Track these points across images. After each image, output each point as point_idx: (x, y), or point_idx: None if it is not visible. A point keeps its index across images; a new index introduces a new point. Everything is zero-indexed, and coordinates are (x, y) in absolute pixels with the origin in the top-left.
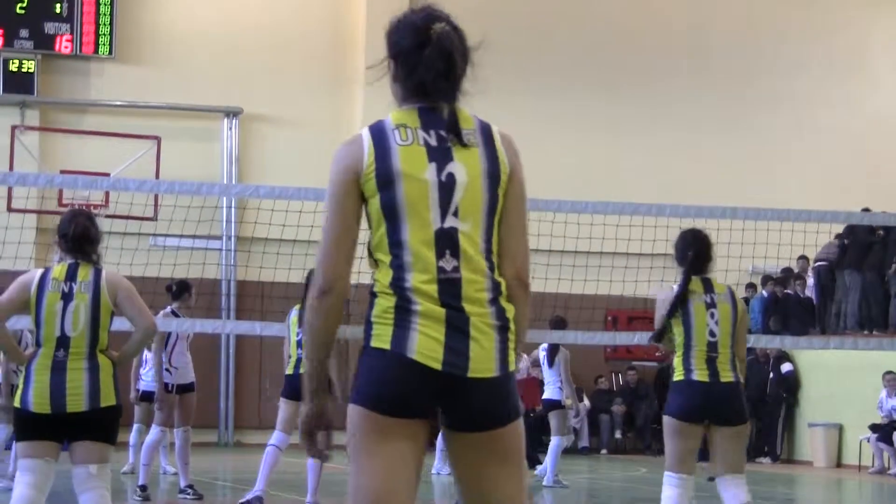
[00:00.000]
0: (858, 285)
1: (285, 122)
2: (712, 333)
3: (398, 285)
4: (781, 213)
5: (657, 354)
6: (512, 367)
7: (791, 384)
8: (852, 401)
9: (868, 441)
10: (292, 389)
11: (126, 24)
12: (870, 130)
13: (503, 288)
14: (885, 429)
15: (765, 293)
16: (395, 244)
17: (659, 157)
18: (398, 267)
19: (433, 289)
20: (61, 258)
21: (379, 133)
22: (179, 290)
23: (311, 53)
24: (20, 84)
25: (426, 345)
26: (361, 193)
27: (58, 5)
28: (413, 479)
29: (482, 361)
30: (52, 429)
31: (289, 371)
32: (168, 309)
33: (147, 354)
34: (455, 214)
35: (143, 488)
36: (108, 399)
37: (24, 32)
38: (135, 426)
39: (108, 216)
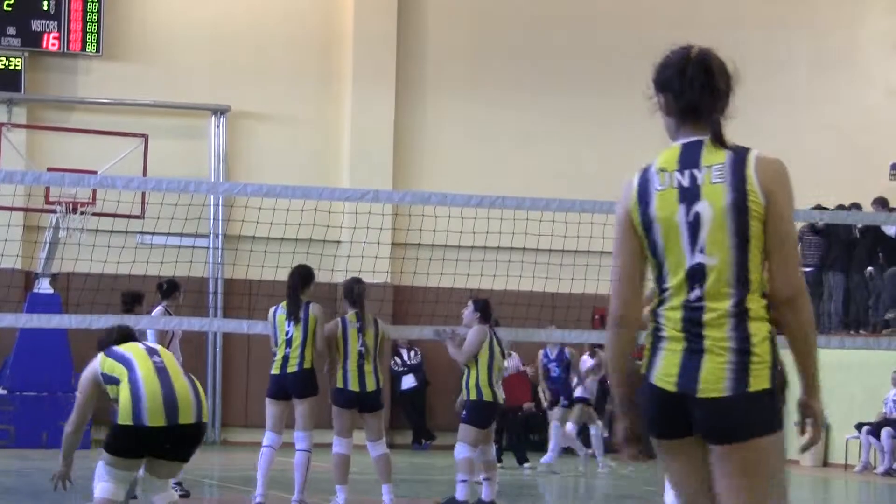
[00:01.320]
0: (842, 285)
1: (273, 120)
2: None
3: (656, 314)
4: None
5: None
6: (755, 387)
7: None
8: (838, 400)
9: (858, 436)
10: (279, 389)
11: (114, 22)
12: (859, 127)
13: (753, 313)
14: (880, 425)
15: None
16: (660, 278)
17: (648, 155)
18: (660, 298)
19: (678, 316)
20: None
21: (644, 179)
22: (169, 288)
23: (299, 51)
24: (7, 82)
25: (665, 369)
26: (635, 231)
27: (45, 3)
28: (702, 482)
29: (712, 382)
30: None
31: (275, 371)
32: (161, 308)
33: None
34: (702, 251)
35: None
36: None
37: (11, 30)
38: None
39: (95, 214)
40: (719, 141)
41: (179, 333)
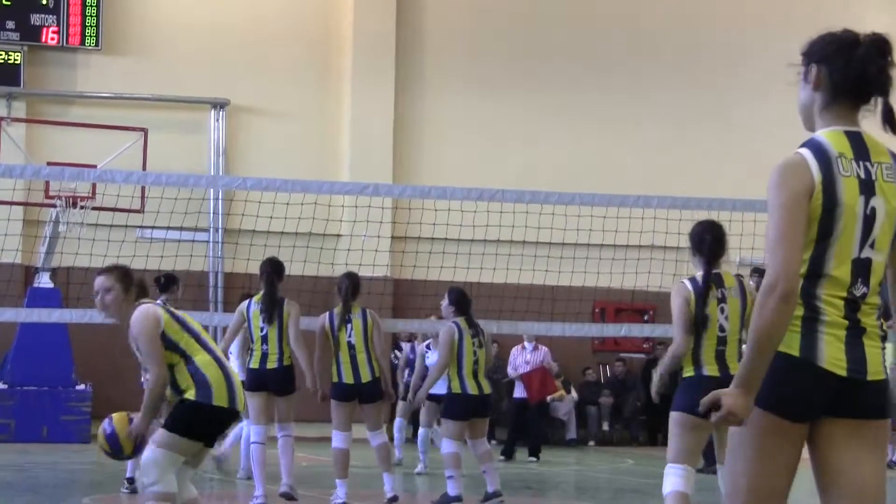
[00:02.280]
0: None
1: (273, 114)
2: (722, 328)
3: (809, 295)
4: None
5: (644, 346)
6: (888, 371)
7: None
8: None
9: None
10: (258, 383)
11: (113, 16)
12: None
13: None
14: None
15: (752, 283)
16: (818, 262)
17: (647, 149)
18: (812, 281)
19: (840, 303)
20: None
21: (826, 160)
22: (167, 282)
23: (298, 45)
24: (6, 76)
25: (833, 353)
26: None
27: None
28: (790, 483)
29: (876, 365)
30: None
31: (253, 365)
32: (158, 302)
33: None
34: (872, 246)
35: (131, 480)
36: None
37: (10, 24)
38: None
39: (94, 208)
40: (893, 127)
41: None
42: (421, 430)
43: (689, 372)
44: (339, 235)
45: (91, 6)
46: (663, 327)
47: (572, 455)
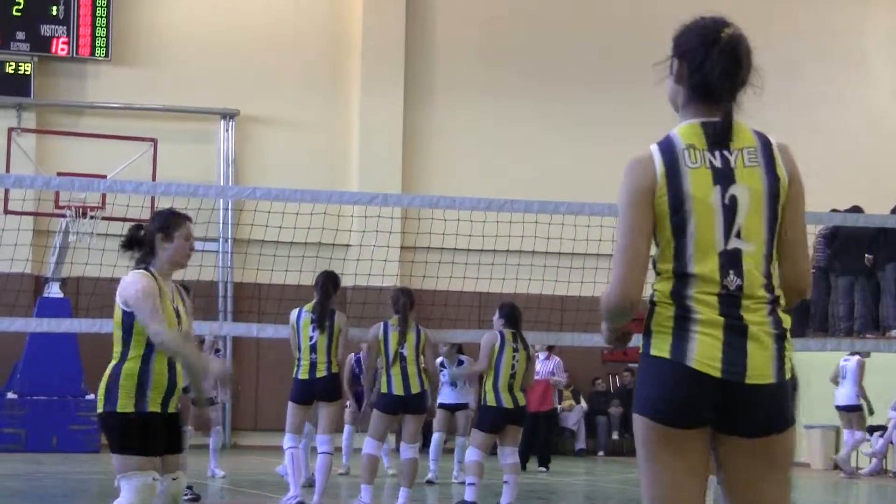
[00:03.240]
0: (850, 287)
1: (282, 124)
2: None
3: (680, 295)
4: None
5: None
6: (788, 375)
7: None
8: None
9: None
10: (305, 393)
11: (122, 27)
12: (866, 128)
13: (781, 300)
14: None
15: None
16: (681, 260)
17: None
18: (681, 280)
19: (714, 300)
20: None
21: (670, 153)
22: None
23: (307, 55)
24: (17, 86)
25: (705, 353)
26: (653, 210)
27: (54, 7)
28: (700, 488)
29: (760, 368)
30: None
31: (303, 375)
32: None
33: None
34: (738, 235)
35: None
36: (99, 405)
37: (20, 35)
38: None
39: (104, 218)
40: (726, 132)
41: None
42: (435, 437)
43: None
44: (348, 245)
45: (101, 17)
46: None
47: (582, 465)
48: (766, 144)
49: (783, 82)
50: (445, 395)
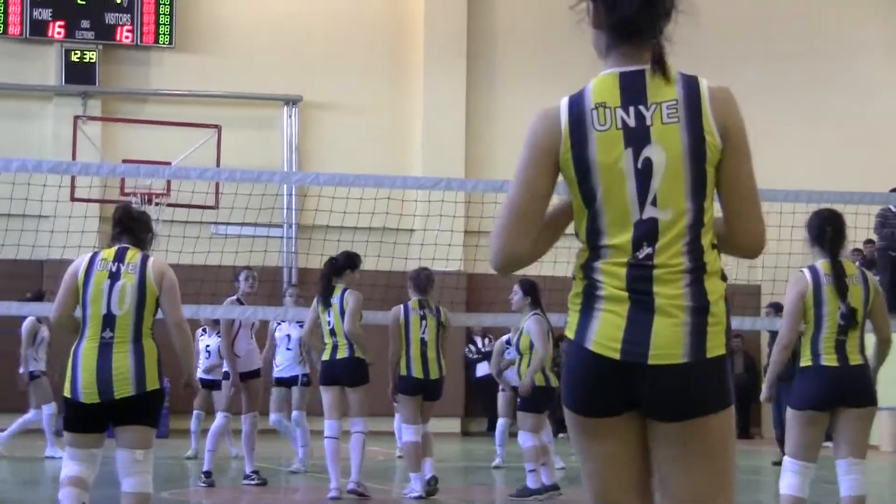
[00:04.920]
0: None
1: (345, 110)
2: (843, 317)
3: (589, 268)
4: (845, 195)
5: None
6: (714, 353)
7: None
8: None
9: None
10: (329, 375)
11: (185, 14)
12: None
13: (710, 267)
14: None
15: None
16: (594, 231)
17: None
18: (593, 252)
19: (622, 272)
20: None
21: (578, 113)
22: (237, 276)
23: (370, 40)
24: (82, 75)
25: (605, 333)
26: (557, 172)
27: None
28: (636, 477)
29: (666, 346)
30: (101, 418)
31: (325, 357)
32: (233, 297)
33: (202, 345)
34: (654, 203)
35: (208, 474)
36: (153, 383)
37: (85, 23)
38: (195, 413)
39: (169, 205)
40: (662, 70)
41: (257, 324)
42: (500, 422)
43: (806, 361)
44: (412, 230)
45: (164, 4)
46: (739, 319)
47: None
48: (693, 94)
49: (843, 67)
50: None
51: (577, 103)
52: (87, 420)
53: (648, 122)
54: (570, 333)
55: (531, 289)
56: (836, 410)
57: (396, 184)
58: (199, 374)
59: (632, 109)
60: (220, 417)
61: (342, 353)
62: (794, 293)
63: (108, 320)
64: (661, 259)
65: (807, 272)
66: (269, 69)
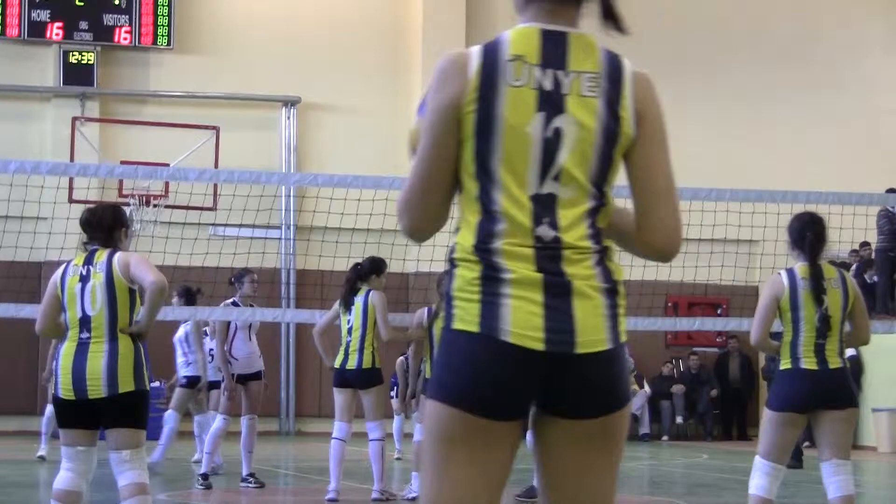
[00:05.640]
0: None
1: (343, 111)
2: (820, 321)
3: (485, 250)
4: (843, 196)
5: (718, 340)
6: (623, 339)
7: (854, 369)
8: None
9: None
10: (341, 378)
11: (184, 15)
12: None
13: (610, 251)
14: None
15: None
16: (486, 203)
17: (720, 141)
18: (486, 230)
19: (528, 253)
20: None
21: (491, 62)
22: (237, 278)
23: (368, 42)
24: (80, 76)
25: (522, 321)
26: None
27: None
28: (498, 492)
29: (592, 332)
30: (84, 415)
31: (339, 358)
32: (230, 300)
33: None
34: (556, 178)
35: (205, 476)
36: (126, 385)
37: (83, 24)
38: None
39: (167, 206)
40: (615, 24)
41: (257, 325)
42: None
43: (786, 364)
44: None
45: (163, 6)
46: (737, 321)
47: (646, 450)
48: (615, 72)
49: (846, 66)
50: None
51: (492, 52)
52: (70, 416)
53: (565, 91)
54: (466, 325)
55: None
56: (815, 414)
57: (395, 185)
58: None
59: (550, 72)
60: (219, 420)
61: (352, 363)
62: (769, 295)
63: (85, 321)
64: (568, 239)
65: (784, 275)
66: (267, 70)
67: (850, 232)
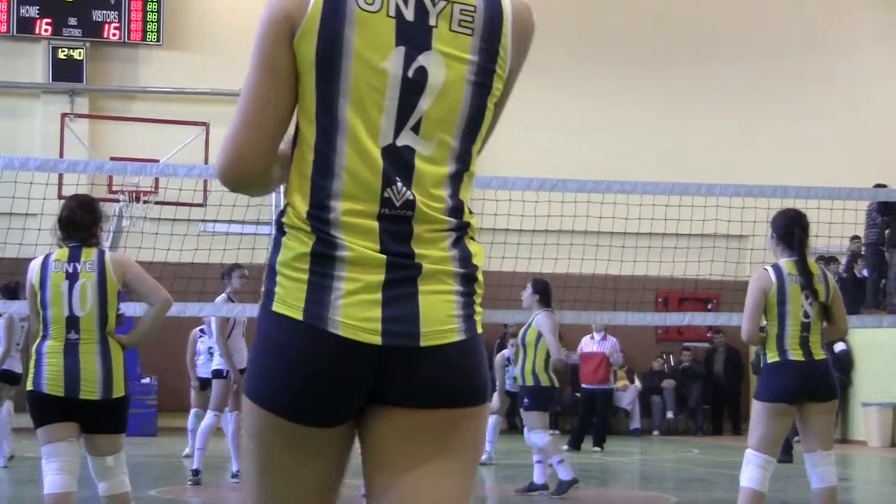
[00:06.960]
0: None
1: None
2: (806, 315)
3: (319, 218)
4: (833, 191)
5: (708, 335)
6: (479, 329)
7: (844, 364)
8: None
9: None
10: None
11: (173, 11)
12: None
13: (471, 229)
14: None
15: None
16: (323, 157)
17: (709, 137)
18: (322, 191)
19: (371, 225)
20: (61, 244)
21: None
22: (227, 272)
23: None
24: (69, 72)
25: (356, 311)
26: (294, 54)
27: None
28: (333, 493)
29: (439, 323)
30: (68, 410)
31: None
32: (224, 295)
33: (203, 346)
34: (415, 129)
35: (196, 472)
36: (119, 390)
37: (72, 20)
38: (192, 411)
39: (157, 203)
40: None
41: (244, 322)
42: (492, 419)
43: (773, 357)
44: None
45: (152, 2)
46: (727, 315)
47: (637, 445)
48: (495, 5)
49: (843, 58)
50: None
51: None
52: (52, 412)
53: (432, 22)
54: (288, 310)
55: (542, 287)
56: (802, 405)
57: None
58: (200, 373)
59: None
60: (209, 416)
61: None
62: (757, 289)
63: (72, 321)
64: (422, 208)
65: (770, 270)
66: None
67: (841, 227)
